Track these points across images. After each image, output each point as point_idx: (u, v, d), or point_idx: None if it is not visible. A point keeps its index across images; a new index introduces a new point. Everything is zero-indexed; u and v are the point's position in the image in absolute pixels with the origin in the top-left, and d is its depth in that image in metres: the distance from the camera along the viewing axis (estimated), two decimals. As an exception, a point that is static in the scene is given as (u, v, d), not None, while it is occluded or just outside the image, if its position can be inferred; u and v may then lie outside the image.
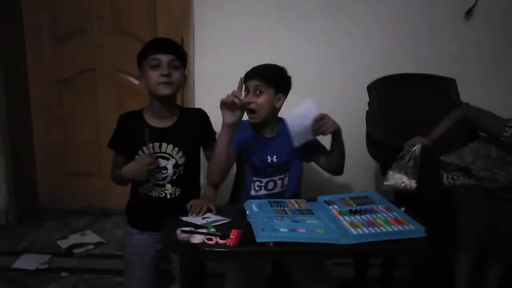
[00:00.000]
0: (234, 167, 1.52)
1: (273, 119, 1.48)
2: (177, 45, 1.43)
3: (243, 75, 1.49)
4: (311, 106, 1.34)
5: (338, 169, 1.53)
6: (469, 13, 2.06)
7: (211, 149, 1.44)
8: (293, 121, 1.35)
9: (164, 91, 1.35)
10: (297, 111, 1.34)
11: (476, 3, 2.04)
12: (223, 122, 1.29)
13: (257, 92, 1.40)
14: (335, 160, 1.49)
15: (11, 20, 2.25)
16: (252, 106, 1.39)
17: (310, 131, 1.36)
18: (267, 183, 1.49)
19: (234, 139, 1.38)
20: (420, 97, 1.96)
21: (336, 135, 1.39)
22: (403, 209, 1.24)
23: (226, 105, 1.25)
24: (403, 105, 1.93)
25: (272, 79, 1.42)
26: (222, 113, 1.28)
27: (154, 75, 1.33)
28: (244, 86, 1.41)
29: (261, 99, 1.40)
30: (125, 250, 1.52)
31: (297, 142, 1.39)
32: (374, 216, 1.20)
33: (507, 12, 2.08)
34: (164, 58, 1.34)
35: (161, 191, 1.42)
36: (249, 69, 1.50)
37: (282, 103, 1.46)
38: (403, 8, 2.08)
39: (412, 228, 1.13)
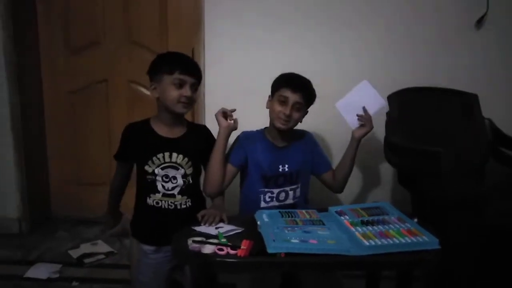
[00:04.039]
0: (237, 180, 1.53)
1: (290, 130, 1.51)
2: (199, 68, 1.46)
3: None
4: (367, 84, 1.50)
5: (341, 183, 1.56)
6: (480, 22, 2.05)
7: None
8: (349, 99, 1.49)
9: (182, 110, 1.38)
10: (354, 90, 1.50)
11: (487, 12, 2.03)
12: (220, 128, 1.40)
13: (295, 107, 1.44)
14: (344, 169, 1.53)
15: (27, 31, 2.30)
16: (289, 118, 1.44)
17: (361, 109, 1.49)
18: (278, 193, 1.49)
19: (234, 155, 1.45)
20: (441, 110, 1.96)
21: (358, 142, 1.50)
22: (416, 220, 1.23)
23: (222, 113, 1.41)
24: (423, 116, 1.93)
25: (309, 97, 1.49)
26: (218, 121, 1.40)
27: (176, 93, 1.35)
28: (275, 90, 1.47)
29: (297, 115, 1.46)
30: (137, 269, 1.47)
31: (352, 120, 1.50)
32: (387, 227, 1.20)
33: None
34: (189, 80, 1.37)
35: (171, 202, 1.40)
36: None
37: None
38: (415, 20, 2.08)
39: (425, 240, 1.12)
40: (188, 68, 1.38)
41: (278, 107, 1.44)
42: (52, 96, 2.42)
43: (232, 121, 1.41)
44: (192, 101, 1.39)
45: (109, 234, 1.58)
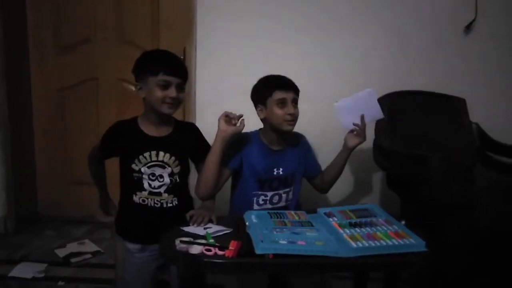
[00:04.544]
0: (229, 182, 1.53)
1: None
2: (185, 67, 1.43)
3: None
4: (373, 93, 1.49)
5: (328, 185, 1.59)
6: (468, 27, 2.08)
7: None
8: (349, 103, 1.49)
9: (168, 110, 1.36)
10: (357, 96, 1.50)
11: (475, 18, 2.06)
12: (217, 132, 1.37)
13: (294, 104, 1.45)
14: (333, 174, 1.55)
15: (16, 28, 2.28)
16: (294, 116, 1.45)
17: (360, 117, 1.48)
18: (272, 196, 1.49)
19: (229, 158, 1.43)
20: (429, 114, 1.98)
21: (350, 152, 1.51)
22: (403, 222, 1.24)
23: (225, 117, 1.37)
24: (412, 120, 1.95)
25: (298, 91, 1.49)
26: (218, 124, 1.37)
27: (161, 94, 1.33)
28: (267, 97, 1.45)
29: (297, 110, 1.46)
30: (122, 268, 1.46)
31: (346, 123, 1.51)
32: (374, 229, 1.20)
33: (506, 27, 2.09)
34: (175, 81, 1.34)
35: (157, 200, 1.39)
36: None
37: None
38: (406, 25, 2.10)
39: (412, 242, 1.13)
40: (173, 69, 1.35)
41: (280, 111, 1.42)
42: (41, 93, 2.39)
43: (236, 125, 1.38)
44: (178, 102, 1.37)
45: (100, 219, 1.59)
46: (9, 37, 2.21)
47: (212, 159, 1.37)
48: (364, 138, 1.50)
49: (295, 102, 1.45)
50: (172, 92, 1.33)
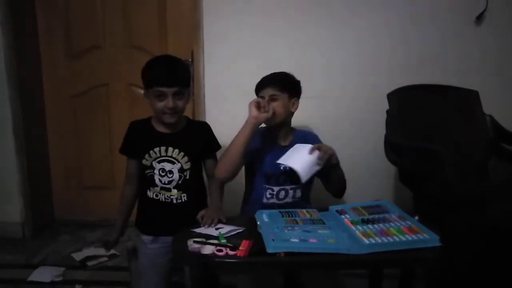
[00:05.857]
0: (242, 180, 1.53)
1: (287, 126, 1.53)
2: (181, 73, 1.40)
3: (252, 87, 1.52)
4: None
5: (338, 193, 1.53)
6: (479, 18, 2.04)
7: (214, 160, 1.51)
8: (293, 160, 1.38)
9: (169, 120, 1.40)
10: (290, 152, 1.42)
11: (486, 8, 2.02)
12: (248, 116, 1.38)
13: (272, 99, 1.45)
14: (334, 184, 1.50)
15: (28, 36, 2.32)
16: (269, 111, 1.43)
17: (315, 163, 1.36)
18: (278, 191, 1.50)
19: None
20: (441, 107, 1.94)
21: (334, 160, 1.42)
22: (417, 218, 1.22)
23: (256, 103, 1.39)
24: (424, 114, 1.91)
25: (285, 84, 1.48)
26: (249, 109, 1.39)
27: (159, 105, 1.37)
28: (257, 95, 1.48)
29: (277, 104, 1.45)
30: (137, 260, 1.53)
31: (304, 177, 1.35)
32: (387, 225, 1.19)
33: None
34: (169, 91, 1.35)
35: (168, 196, 1.45)
36: (258, 80, 1.53)
37: (297, 107, 1.51)
38: (414, 17, 2.07)
39: (426, 237, 1.11)
40: (165, 80, 1.35)
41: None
42: (54, 100, 2.44)
43: (266, 113, 1.39)
44: (178, 110, 1.39)
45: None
46: (21, 45, 2.25)
47: (240, 141, 1.38)
48: (332, 152, 1.38)
49: (273, 98, 1.44)
50: (168, 102, 1.36)
